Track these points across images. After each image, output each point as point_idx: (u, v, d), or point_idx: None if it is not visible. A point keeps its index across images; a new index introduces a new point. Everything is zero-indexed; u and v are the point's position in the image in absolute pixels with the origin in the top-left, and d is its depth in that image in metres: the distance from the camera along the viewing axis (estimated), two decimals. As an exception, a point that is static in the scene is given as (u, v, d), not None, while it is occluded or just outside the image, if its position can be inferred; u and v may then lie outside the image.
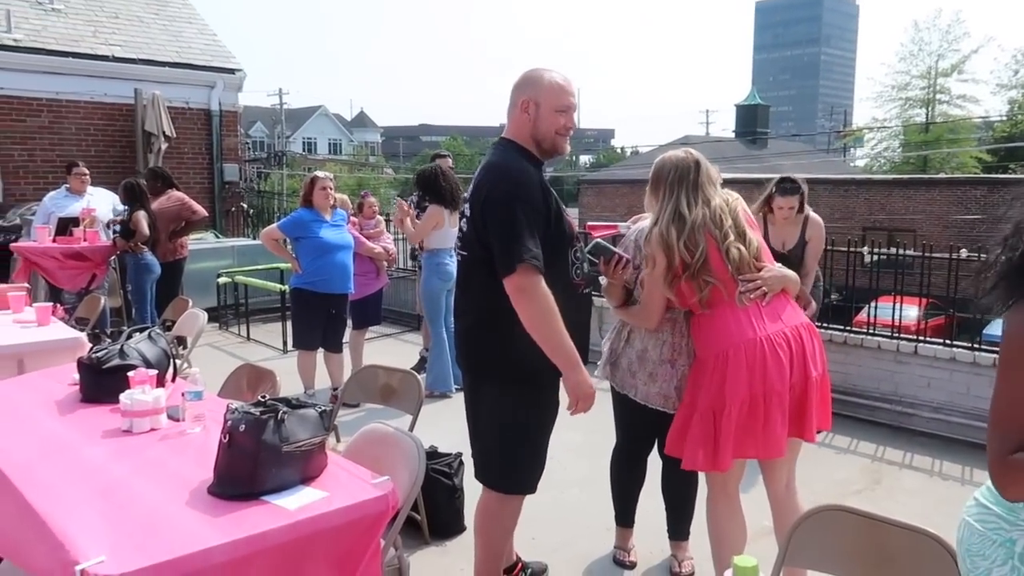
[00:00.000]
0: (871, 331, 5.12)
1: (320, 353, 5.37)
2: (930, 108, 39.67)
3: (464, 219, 2.50)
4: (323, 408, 2.09)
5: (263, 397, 2.10)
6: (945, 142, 36.43)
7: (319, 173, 5.34)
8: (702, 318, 2.57)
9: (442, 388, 5.55)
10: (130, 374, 2.55)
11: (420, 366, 6.15)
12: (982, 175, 26.36)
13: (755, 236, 2.62)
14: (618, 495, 3.23)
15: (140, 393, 2.45)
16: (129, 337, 2.95)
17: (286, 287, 6.56)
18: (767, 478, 2.70)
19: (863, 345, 5.03)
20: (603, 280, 2.82)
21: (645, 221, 2.81)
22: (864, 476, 4.18)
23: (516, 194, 2.33)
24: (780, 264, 2.68)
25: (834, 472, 4.21)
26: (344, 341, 5.49)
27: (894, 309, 4.99)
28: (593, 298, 2.81)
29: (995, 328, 4.83)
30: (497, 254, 2.32)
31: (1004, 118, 37.96)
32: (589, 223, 2.91)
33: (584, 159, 75.08)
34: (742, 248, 2.53)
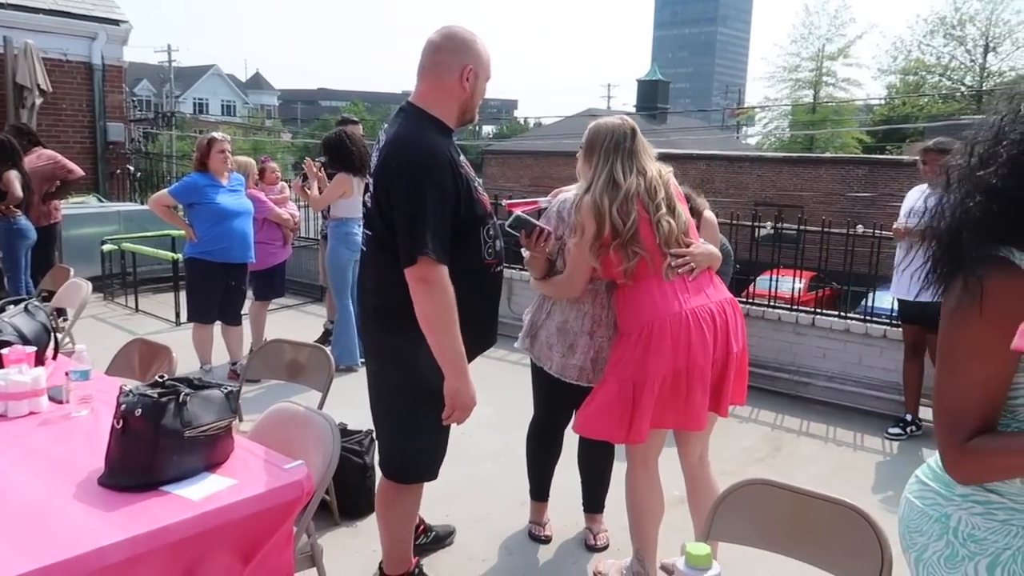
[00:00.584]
0: (771, 303, 5.29)
1: (217, 326, 5.09)
2: (817, 90, 41.56)
3: (368, 194, 2.35)
4: (229, 388, 1.93)
5: (161, 377, 1.93)
6: (830, 123, 38.33)
7: (216, 134, 5.01)
8: (627, 290, 2.53)
9: (348, 362, 5.38)
10: (4, 351, 2.30)
11: (325, 339, 5.95)
12: (864, 155, 27.86)
13: (684, 211, 2.61)
14: (533, 470, 3.20)
15: (16, 373, 2.21)
16: (2, 310, 2.67)
17: (179, 256, 6.19)
18: (681, 451, 2.72)
19: (764, 317, 5.19)
20: (525, 253, 2.75)
21: (567, 194, 2.75)
22: (765, 444, 4.33)
23: (426, 177, 2.15)
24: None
25: (740, 440, 4.34)
26: (243, 313, 5.23)
27: (774, 281, 5.28)
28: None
29: (881, 301, 5.14)
30: (400, 241, 2.17)
31: (883, 102, 40.24)
32: (509, 202, 2.79)
33: (488, 129, 74.79)
34: (672, 221, 2.51)
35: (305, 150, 53.03)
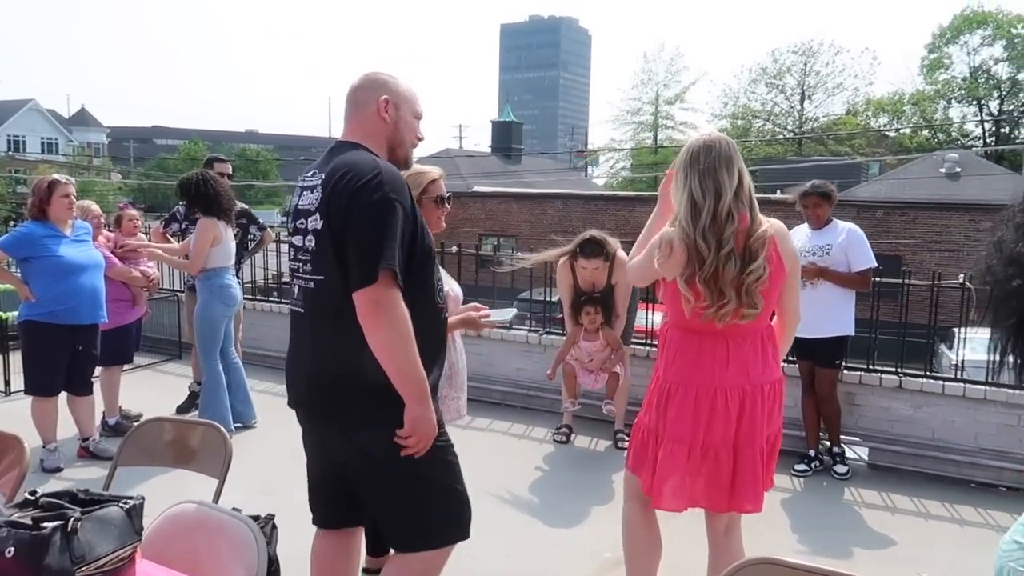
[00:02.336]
0: (647, 340, 5.26)
1: (62, 396, 4.37)
2: (657, 132, 44.07)
3: (304, 235, 2.04)
4: (132, 502, 1.50)
5: (32, 493, 1.47)
6: (672, 164, 40.60)
7: (59, 176, 4.33)
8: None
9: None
10: None
11: (190, 403, 5.31)
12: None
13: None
14: None
15: None
16: None
17: (9, 316, 5.35)
18: (707, 518, 2.58)
19: (650, 356, 5.12)
20: None
21: None
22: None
23: (393, 194, 1.93)
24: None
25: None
26: (95, 376, 4.53)
27: (648, 315, 5.30)
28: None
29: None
30: (357, 259, 1.91)
31: (716, 144, 43.11)
32: None
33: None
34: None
35: (140, 191, 49.58)
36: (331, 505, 2.31)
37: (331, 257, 1.97)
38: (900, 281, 4.79)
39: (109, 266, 4.62)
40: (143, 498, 1.54)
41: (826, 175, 27.26)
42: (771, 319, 2.45)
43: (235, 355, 5.05)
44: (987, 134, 38.51)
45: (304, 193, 2.07)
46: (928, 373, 4.58)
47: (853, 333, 4.40)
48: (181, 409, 5.30)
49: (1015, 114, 37.27)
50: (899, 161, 29.38)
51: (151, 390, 5.82)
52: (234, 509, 2.81)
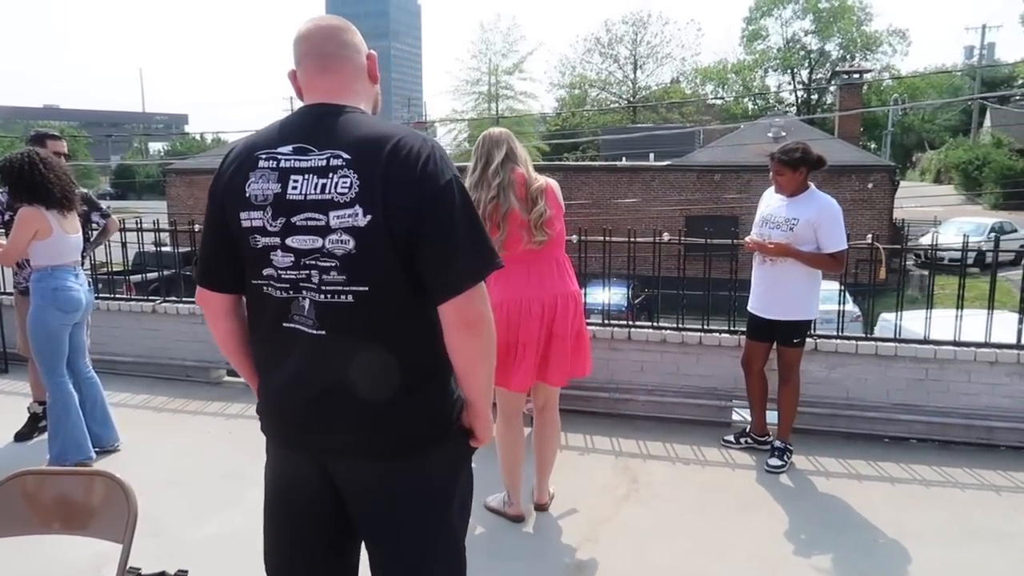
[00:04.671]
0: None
1: None
2: (497, 102, 44.04)
3: (320, 235, 1.53)
4: None
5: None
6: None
7: None
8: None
9: (78, 457, 4.01)
10: None
11: (32, 426, 4.46)
12: (556, 163, 29.87)
13: None
14: None
15: None
16: None
17: None
18: (534, 394, 3.44)
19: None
20: None
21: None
22: (619, 476, 3.98)
23: (458, 175, 1.58)
24: None
25: (592, 476, 3.95)
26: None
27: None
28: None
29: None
30: (457, 262, 1.52)
31: (555, 113, 43.89)
32: None
33: (157, 147, 67.90)
34: None
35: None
36: (311, 562, 1.78)
37: (388, 261, 1.50)
38: (734, 241, 4.64)
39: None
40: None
41: (664, 143, 28.38)
42: (564, 248, 3.30)
43: (88, 368, 4.25)
44: (799, 101, 41.73)
45: (294, 177, 1.53)
46: (840, 334, 4.61)
47: (817, 316, 4.14)
48: (21, 435, 4.43)
49: (823, 82, 40.62)
50: (725, 130, 31.09)
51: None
52: (130, 570, 2.23)
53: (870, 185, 21.47)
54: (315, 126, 1.58)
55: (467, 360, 1.59)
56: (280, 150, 1.57)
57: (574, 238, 4.81)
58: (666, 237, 4.79)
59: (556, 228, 3.13)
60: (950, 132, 47.19)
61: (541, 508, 3.50)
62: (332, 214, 1.50)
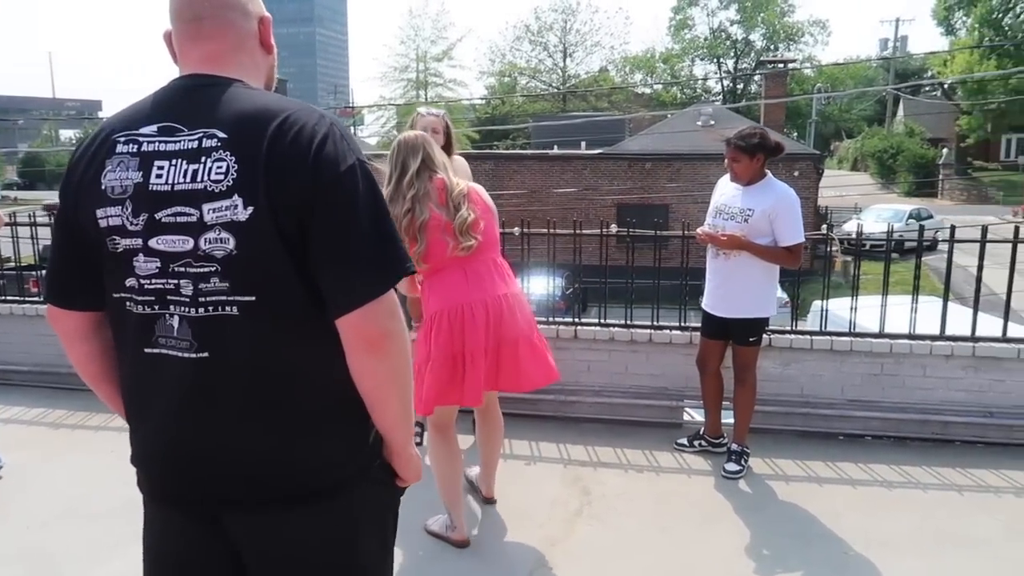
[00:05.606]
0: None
1: None
2: (426, 89, 43.38)
3: (193, 233, 1.21)
4: None
5: None
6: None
7: None
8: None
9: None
10: None
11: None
12: (489, 151, 29.54)
13: None
14: None
15: None
16: None
17: None
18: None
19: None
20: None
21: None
22: (569, 488, 3.70)
23: (363, 158, 1.27)
24: None
25: (541, 488, 3.66)
26: None
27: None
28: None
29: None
30: (356, 267, 1.22)
31: (485, 101, 43.51)
32: None
33: (69, 134, 64.50)
34: None
35: None
36: None
37: (278, 265, 1.19)
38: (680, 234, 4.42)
39: None
40: None
41: (595, 130, 28.36)
42: (499, 251, 3.11)
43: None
44: (725, 90, 42.45)
45: (159, 163, 1.20)
46: (795, 329, 4.44)
47: (775, 313, 3.87)
48: None
49: (747, 71, 41.39)
50: (654, 118, 31.31)
51: None
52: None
53: (796, 173, 21.86)
54: (185, 101, 1.24)
55: (373, 387, 1.29)
56: (142, 131, 1.23)
57: (516, 230, 4.52)
58: (613, 229, 4.53)
59: (486, 231, 2.96)
60: (866, 121, 48.88)
61: (490, 502, 3.45)
62: (206, 207, 1.18)
